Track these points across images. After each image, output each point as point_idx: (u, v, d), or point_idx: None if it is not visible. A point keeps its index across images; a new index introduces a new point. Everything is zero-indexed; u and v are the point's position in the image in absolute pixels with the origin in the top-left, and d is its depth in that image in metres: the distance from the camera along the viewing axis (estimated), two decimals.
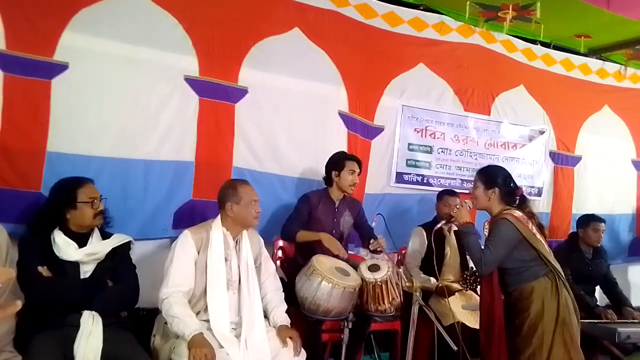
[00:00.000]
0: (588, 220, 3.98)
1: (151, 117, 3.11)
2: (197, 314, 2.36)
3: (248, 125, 3.41)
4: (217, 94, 3.29)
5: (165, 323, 2.31)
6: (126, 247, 2.48)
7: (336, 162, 3.21)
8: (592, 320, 3.46)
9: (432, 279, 3.44)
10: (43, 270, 2.20)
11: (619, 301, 3.87)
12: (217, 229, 2.49)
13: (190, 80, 3.21)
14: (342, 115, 3.78)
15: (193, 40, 3.21)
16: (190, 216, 3.13)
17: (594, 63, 4.76)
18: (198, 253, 2.43)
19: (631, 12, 3.79)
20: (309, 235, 3.00)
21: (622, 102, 4.90)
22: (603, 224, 3.95)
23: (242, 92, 3.38)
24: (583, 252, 3.97)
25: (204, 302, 2.38)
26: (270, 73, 3.49)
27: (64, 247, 2.28)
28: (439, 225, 3.09)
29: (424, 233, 3.61)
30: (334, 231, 3.20)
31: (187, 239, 2.44)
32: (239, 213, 2.51)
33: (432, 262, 3.49)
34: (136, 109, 3.06)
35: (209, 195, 3.01)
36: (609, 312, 3.67)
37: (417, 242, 3.61)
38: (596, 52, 4.73)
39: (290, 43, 3.56)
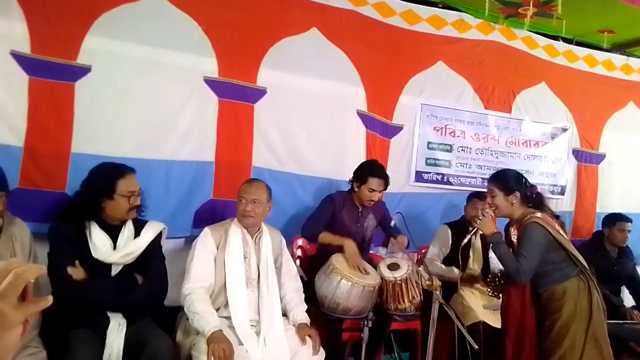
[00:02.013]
0: (614, 220, 3.89)
1: (172, 118, 3.15)
2: (217, 309, 2.39)
3: (267, 125, 3.43)
4: (237, 94, 3.32)
5: (187, 319, 2.35)
6: (158, 238, 2.48)
7: (360, 174, 3.15)
8: (617, 321, 3.39)
9: (455, 269, 3.41)
10: (73, 272, 2.16)
11: None
12: (235, 227, 2.52)
13: (209, 82, 3.25)
14: (360, 114, 3.77)
15: (212, 42, 3.25)
16: (210, 215, 3.16)
17: (618, 59, 4.65)
18: (217, 249, 2.47)
19: None
20: (332, 239, 2.94)
21: None
22: (629, 223, 3.86)
23: (261, 92, 3.40)
24: (608, 252, 3.89)
25: (224, 298, 2.41)
26: (288, 73, 3.50)
27: (100, 246, 2.25)
28: (465, 242, 3.02)
29: (449, 232, 3.58)
30: (357, 235, 3.19)
31: (207, 236, 2.49)
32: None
33: (455, 262, 3.49)
34: (157, 110, 3.10)
35: (229, 195, 3.05)
36: (635, 312, 3.60)
37: (442, 240, 3.58)
38: (620, 48, 4.63)
39: (309, 43, 3.56)
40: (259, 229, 2.61)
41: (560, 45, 4.43)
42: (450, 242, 3.56)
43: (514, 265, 2.56)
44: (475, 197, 3.63)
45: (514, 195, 2.71)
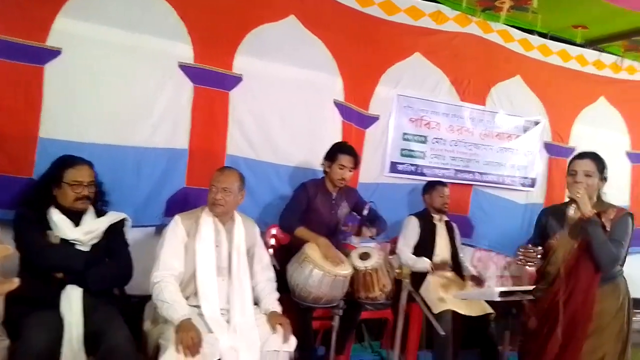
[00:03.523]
0: None
1: (145, 104, 3.10)
2: (187, 298, 2.39)
3: (242, 113, 3.41)
4: (212, 81, 3.28)
5: (156, 308, 2.34)
6: (121, 225, 2.51)
7: (331, 153, 3.19)
8: None
9: (426, 259, 3.48)
10: (51, 235, 2.27)
11: None
12: (206, 215, 2.51)
13: (184, 67, 3.20)
14: (337, 104, 3.77)
15: (188, 27, 3.20)
16: (183, 204, 3.13)
17: (590, 54, 4.74)
18: (188, 237, 2.46)
19: (627, 2, 3.77)
20: (308, 236, 2.94)
21: (619, 93, 4.89)
22: None
23: (237, 79, 3.37)
24: None
25: (194, 287, 2.41)
26: (265, 61, 3.47)
27: (60, 224, 2.31)
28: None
29: (417, 222, 3.65)
30: (331, 222, 3.21)
31: (177, 224, 2.48)
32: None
33: (423, 251, 3.56)
34: (130, 95, 3.05)
35: (203, 183, 3.02)
36: None
37: (410, 229, 3.64)
38: (593, 43, 4.71)
39: (286, 31, 3.54)
40: (231, 217, 2.60)
41: (535, 40, 4.48)
42: (419, 231, 3.62)
43: (613, 252, 2.46)
44: (440, 185, 3.73)
45: (604, 181, 2.63)
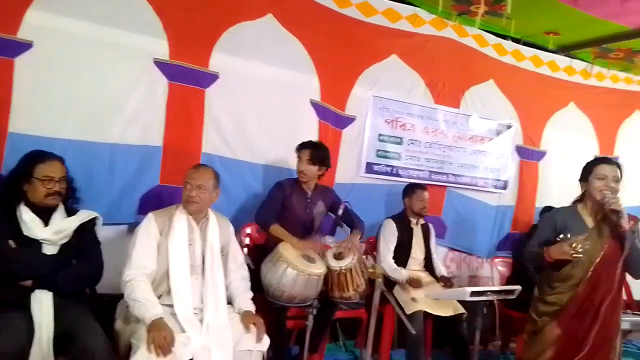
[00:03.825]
0: (544, 211, 4.14)
1: (118, 100, 3.06)
2: (160, 297, 2.36)
3: (218, 111, 3.39)
4: (187, 78, 3.26)
5: (127, 307, 2.31)
6: (92, 224, 2.47)
7: (296, 150, 3.23)
8: None
9: (404, 271, 3.52)
10: (12, 244, 2.19)
11: None
12: (180, 213, 2.49)
13: (159, 64, 3.17)
14: (313, 104, 3.78)
15: (164, 23, 3.17)
16: (157, 202, 3.11)
17: (562, 60, 4.86)
18: (161, 235, 2.43)
19: (598, 10, 3.88)
20: (282, 234, 2.96)
21: (588, 99, 5.02)
22: None
23: (213, 77, 3.35)
24: None
25: (167, 286, 2.38)
26: (242, 59, 3.46)
27: (30, 224, 2.25)
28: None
29: (394, 225, 3.68)
30: (307, 221, 3.22)
31: (150, 221, 2.45)
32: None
33: (399, 254, 3.60)
34: (103, 91, 3.01)
35: (177, 181, 3.00)
36: None
37: (389, 233, 3.67)
38: (564, 50, 4.83)
39: (264, 29, 3.53)
40: (205, 215, 2.59)
41: (509, 45, 4.58)
42: (396, 233, 3.66)
43: None
44: (419, 188, 3.76)
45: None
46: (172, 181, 3.16)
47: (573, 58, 4.92)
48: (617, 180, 2.61)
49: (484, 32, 4.42)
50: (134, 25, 3.07)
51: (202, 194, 2.50)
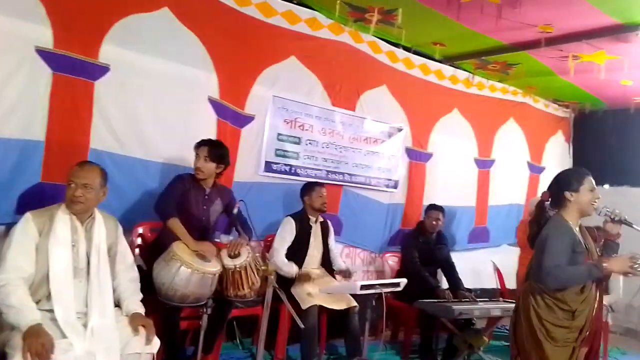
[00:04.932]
0: (428, 209, 4.51)
1: None
2: (38, 302, 2.21)
3: (109, 106, 3.24)
4: (74, 69, 3.08)
5: (1, 314, 2.14)
6: None
7: (194, 148, 3.20)
8: (433, 300, 3.90)
9: (295, 266, 3.61)
10: None
11: (455, 283, 4.38)
12: (62, 213, 2.35)
13: (42, 53, 2.96)
14: (212, 101, 3.75)
15: (47, 9, 2.97)
16: (38, 200, 2.87)
17: (447, 69, 5.25)
18: (40, 236, 2.28)
19: (477, 26, 4.25)
20: (179, 231, 2.89)
21: (469, 106, 5.48)
22: (440, 212, 4.45)
23: (104, 69, 3.20)
24: (428, 238, 4.44)
25: (46, 290, 2.23)
26: (136, 52, 3.34)
27: None
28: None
29: (293, 223, 3.76)
30: (203, 218, 3.19)
31: (27, 222, 2.28)
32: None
33: (297, 251, 3.69)
34: None
35: (61, 179, 2.80)
36: (447, 292, 4.15)
37: (287, 231, 3.74)
38: (449, 60, 5.21)
39: (159, 23, 3.44)
40: (90, 215, 2.46)
41: (400, 53, 4.86)
42: (295, 232, 3.74)
43: None
44: (317, 185, 3.88)
45: None
46: (56, 178, 2.96)
47: (457, 68, 5.33)
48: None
49: (378, 39, 4.66)
50: (14, 9, 2.84)
51: (87, 193, 2.37)
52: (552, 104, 6.37)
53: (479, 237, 5.66)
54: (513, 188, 5.94)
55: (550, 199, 2.65)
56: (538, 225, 2.63)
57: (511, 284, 4.87)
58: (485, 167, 5.71)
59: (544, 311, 2.44)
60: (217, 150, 3.19)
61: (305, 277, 3.55)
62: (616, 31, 4.02)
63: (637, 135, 6.00)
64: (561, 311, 2.43)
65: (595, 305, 2.49)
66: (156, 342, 2.33)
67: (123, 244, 2.59)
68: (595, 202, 2.52)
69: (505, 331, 5.05)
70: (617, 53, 4.39)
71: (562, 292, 2.43)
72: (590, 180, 2.53)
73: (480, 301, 4.05)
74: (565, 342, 2.43)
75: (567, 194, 2.50)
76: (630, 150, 6.03)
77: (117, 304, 2.44)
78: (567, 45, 4.35)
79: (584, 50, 4.39)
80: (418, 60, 5.00)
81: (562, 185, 2.55)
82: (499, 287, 5.17)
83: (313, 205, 3.83)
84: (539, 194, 5.81)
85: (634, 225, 2.54)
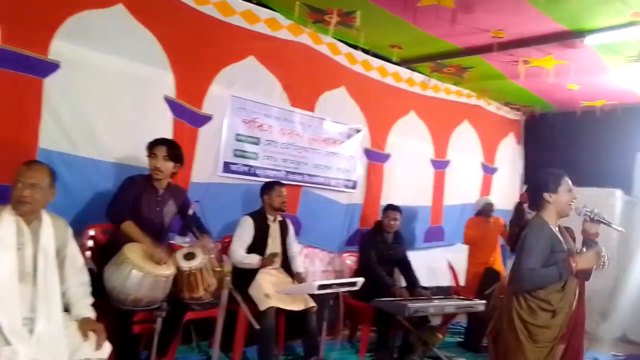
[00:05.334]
0: (386, 209, 4.58)
1: None
2: None
3: (59, 104, 3.15)
4: (21, 65, 2.97)
5: None
6: None
7: (148, 147, 3.14)
8: (389, 299, 3.96)
9: (256, 256, 3.60)
10: None
11: (411, 282, 4.47)
12: (7, 214, 2.26)
13: None
14: (168, 100, 3.68)
15: None
16: None
17: (404, 72, 5.34)
18: None
19: (433, 30, 4.36)
20: (136, 235, 2.84)
21: (426, 108, 5.60)
22: (397, 212, 4.53)
23: (54, 66, 3.10)
24: (385, 238, 4.51)
25: None
26: (88, 49, 3.25)
27: None
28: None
29: (251, 222, 3.74)
30: (156, 220, 3.13)
31: None
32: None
33: (255, 251, 3.68)
34: None
35: (7, 179, 2.68)
36: (403, 290, 4.23)
37: (245, 230, 3.72)
38: (406, 63, 5.31)
39: (113, 19, 3.35)
40: (37, 216, 2.37)
41: (359, 55, 4.91)
42: (253, 231, 3.73)
43: None
44: (276, 184, 3.88)
45: None
46: (1, 179, 2.83)
47: (414, 71, 5.44)
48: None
49: (337, 41, 4.69)
50: None
51: (35, 194, 2.29)
52: (504, 107, 6.60)
53: (435, 236, 5.81)
54: (467, 188, 6.12)
55: (528, 201, 2.69)
56: (519, 227, 2.64)
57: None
58: (440, 168, 5.86)
59: (526, 313, 2.46)
60: (175, 150, 3.15)
61: (269, 260, 3.57)
62: (564, 37, 4.20)
63: (584, 137, 6.28)
64: (543, 312, 2.46)
65: (574, 302, 2.53)
66: (107, 348, 2.27)
67: (73, 247, 2.50)
68: (573, 202, 2.57)
69: (460, 328, 5.21)
70: (565, 58, 4.59)
71: (545, 292, 2.45)
72: (567, 182, 2.58)
73: (436, 299, 4.15)
74: (546, 342, 2.46)
75: (546, 195, 2.55)
76: (578, 151, 6.30)
77: (67, 309, 2.37)
78: (518, 50, 4.51)
79: (533, 55, 4.57)
80: (376, 62, 5.06)
81: (540, 187, 2.59)
82: (454, 284, 5.32)
83: (272, 204, 3.83)
84: (491, 194, 6.10)
85: (612, 225, 2.60)
